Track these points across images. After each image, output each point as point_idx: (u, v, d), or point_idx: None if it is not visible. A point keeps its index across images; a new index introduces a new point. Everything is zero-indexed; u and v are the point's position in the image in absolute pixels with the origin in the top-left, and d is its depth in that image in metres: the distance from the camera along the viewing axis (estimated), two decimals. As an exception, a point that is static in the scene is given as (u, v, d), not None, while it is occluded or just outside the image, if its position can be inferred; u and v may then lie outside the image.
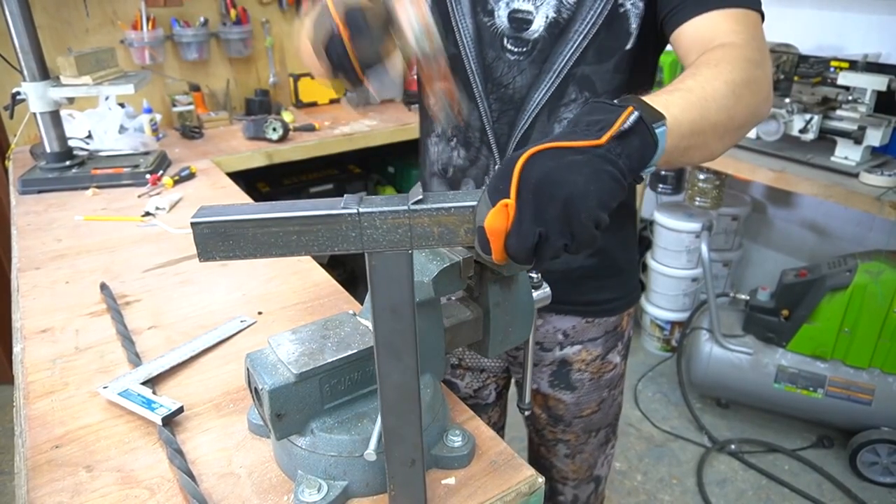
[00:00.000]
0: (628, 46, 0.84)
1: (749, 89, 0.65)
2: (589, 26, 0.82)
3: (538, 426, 1.15)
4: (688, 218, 2.53)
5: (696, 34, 0.75)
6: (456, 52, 0.90)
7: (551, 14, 0.83)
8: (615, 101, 0.53)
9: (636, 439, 2.31)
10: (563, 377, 1.05)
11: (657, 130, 0.52)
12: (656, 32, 0.84)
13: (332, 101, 2.59)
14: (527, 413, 1.03)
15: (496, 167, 0.93)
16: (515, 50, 0.86)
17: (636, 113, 0.51)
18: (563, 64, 0.85)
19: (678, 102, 0.58)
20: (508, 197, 0.47)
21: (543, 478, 0.64)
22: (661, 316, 2.73)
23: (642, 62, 0.87)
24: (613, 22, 0.82)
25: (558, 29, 0.84)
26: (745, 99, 0.64)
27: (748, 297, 2.23)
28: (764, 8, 0.76)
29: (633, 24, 0.82)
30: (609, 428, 1.14)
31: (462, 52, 0.89)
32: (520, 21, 0.85)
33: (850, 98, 1.92)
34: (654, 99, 0.56)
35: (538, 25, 0.84)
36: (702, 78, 0.63)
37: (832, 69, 2.00)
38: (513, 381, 1.16)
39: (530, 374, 0.90)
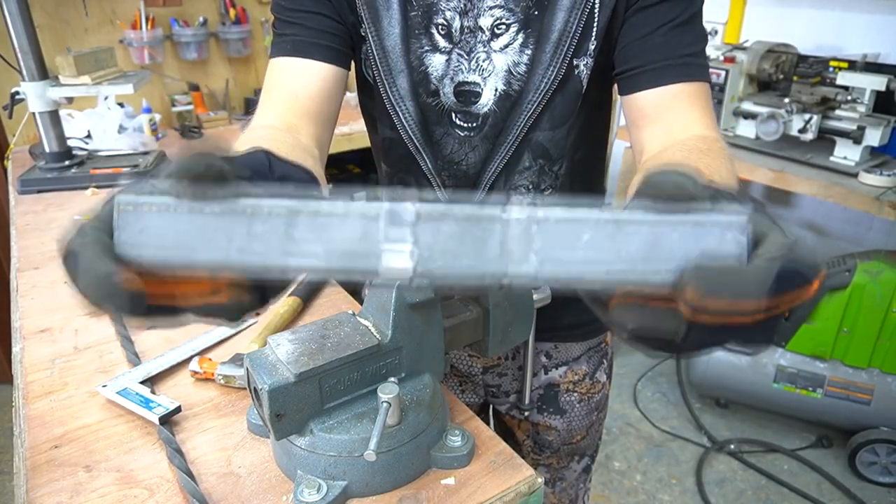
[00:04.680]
0: (578, 104, 0.79)
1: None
2: (542, 94, 0.76)
3: (520, 453, 1.11)
4: (687, 218, 2.52)
5: (651, 102, 0.74)
6: (395, 135, 0.82)
7: (501, 86, 0.77)
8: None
9: (635, 439, 2.31)
10: (551, 401, 1.01)
11: None
12: (601, 80, 0.79)
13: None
14: (527, 414, 1.02)
15: None
16: (465, 125, 0.80)
17: None
18: (516, 135, 0.79)
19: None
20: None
21: (543, 478, 0.64)
22: (661, 316, 2.73)
23: (588, 114, 0.83)
24: (567, 84, 0.77)
25: (510, 102, 0.77)
26: None
27: (747, 297, 2.23)
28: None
29: (584, 82, 0.78)
30: (590, 458, 1.10)
31: (404, 136, 0.81)
32: (467, 94, 0.78)
33: (849, 98, 1.93)
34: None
35: (487, 99, 0.78)
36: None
37: (831, 69, 2.00)
38: (490, 409, 1.11)
39: (530, 374, 0.90)
